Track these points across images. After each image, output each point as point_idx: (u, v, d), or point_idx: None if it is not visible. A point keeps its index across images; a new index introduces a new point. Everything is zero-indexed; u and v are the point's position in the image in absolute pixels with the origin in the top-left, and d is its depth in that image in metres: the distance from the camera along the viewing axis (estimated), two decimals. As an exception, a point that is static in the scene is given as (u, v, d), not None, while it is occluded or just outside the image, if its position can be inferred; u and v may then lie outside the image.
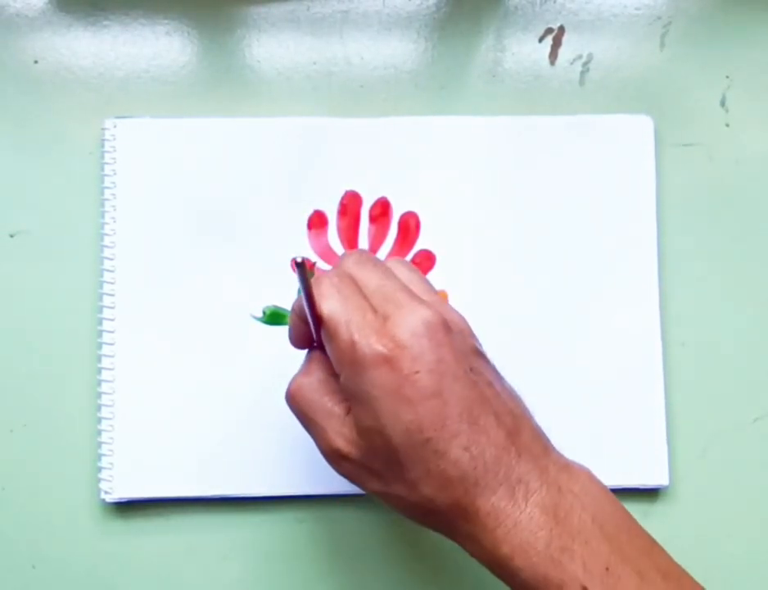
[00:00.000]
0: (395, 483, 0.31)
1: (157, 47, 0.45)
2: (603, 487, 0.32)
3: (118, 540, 0.42)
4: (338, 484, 0.42)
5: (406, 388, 0.30)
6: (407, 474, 0.30)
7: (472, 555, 0.31)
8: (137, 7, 0.45)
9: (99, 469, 0.41)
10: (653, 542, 0.32)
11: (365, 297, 0.32)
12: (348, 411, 0.32)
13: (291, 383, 0.35)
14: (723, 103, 0.45)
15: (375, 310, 0.31)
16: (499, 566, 0.30)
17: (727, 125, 0.45)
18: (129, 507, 0.42)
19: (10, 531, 0.42)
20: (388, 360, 0.30)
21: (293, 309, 0.35)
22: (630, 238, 0.43)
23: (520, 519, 0.29)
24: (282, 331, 0.43)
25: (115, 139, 0.43)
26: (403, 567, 0.42)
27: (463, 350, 0.32)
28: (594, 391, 0.43)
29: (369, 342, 0.30)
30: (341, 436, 0.32)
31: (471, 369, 0.32)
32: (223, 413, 0.42)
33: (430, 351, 0.30)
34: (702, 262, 0.44)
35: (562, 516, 0.30)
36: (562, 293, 0.43)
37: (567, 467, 0.32)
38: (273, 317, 0.43)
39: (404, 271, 0.34)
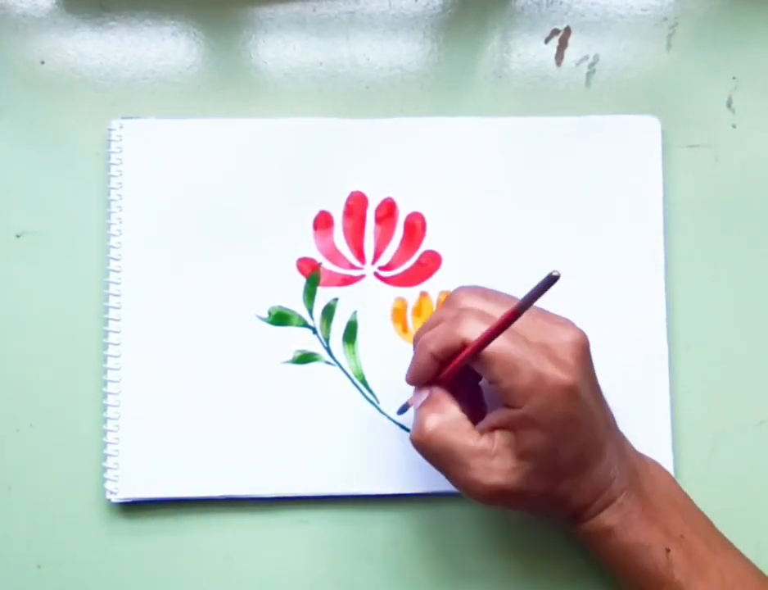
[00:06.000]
0: (542, 494, 0.35)
1: (163, 48, 0.45)
2: (667, 471, 0.39)
3: (123, 540, 0.42)
4: (341, 485, 0.42)
5: (580, 413, 0.34)
6: (558, 483, 0.35)
7: (576, 532, 0.38)
8: (144, 8, 0.45)
9: (104, 470, 0.41)
10: (708, 519, 0.39)
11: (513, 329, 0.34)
12: (494, 444, 0.34)
13: (424, 423, 0.35)
14: (729, 104, 0.45)
15: (528, 340, 0.34)
16: (599, 538, 0.37)
17: (734, 126, 0.45)
18: (134, 507, 0.42)
19: (15, 530, 0.42)
20: (571, 388, 0.34)
21: (422, 343, 0.36)
22: (637, 239, 0.43)
23: (622, 502, 0.36)
24: (287, 331, 0.43)
25: (121, 140, 0.43)
26: (405, 568, 0.42)
27: None
28: (599, 392, 0.43)
29: (554, 374, 0.34)
30: (496, 471, 0.34)
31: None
32: (228, 414, 0.42)
33: (587, 375, 0.35)
34: (709, 263, 0.44)
35: (647, 496, 0.37)
36: (568, 294, 0.43)
37: (640, 455, 0.39)
38: (278, 318, 0.43)
39: (488, 293, 0.37)
